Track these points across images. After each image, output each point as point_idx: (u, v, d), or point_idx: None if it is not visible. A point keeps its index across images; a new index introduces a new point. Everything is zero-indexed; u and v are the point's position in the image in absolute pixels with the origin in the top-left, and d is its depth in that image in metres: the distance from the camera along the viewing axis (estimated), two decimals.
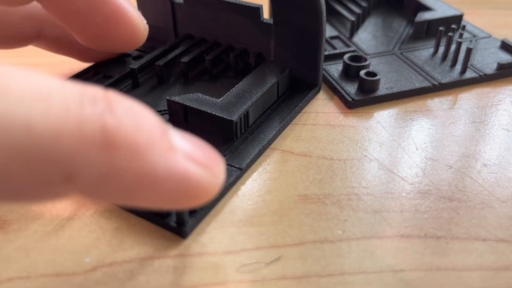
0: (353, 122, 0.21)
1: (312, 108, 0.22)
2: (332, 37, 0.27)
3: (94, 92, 0.10)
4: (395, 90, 0.23)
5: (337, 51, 0.26)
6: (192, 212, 0.15)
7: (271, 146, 0.20)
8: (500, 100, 0.23)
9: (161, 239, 0.15)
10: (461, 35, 0.26)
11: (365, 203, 0.17)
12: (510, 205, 0.17)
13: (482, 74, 0.24)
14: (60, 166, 0.09)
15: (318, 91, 0.23)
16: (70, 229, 0.15)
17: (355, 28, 0.28)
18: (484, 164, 0.18)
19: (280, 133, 0.20)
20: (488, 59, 0.25)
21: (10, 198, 0.10)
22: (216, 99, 0.19)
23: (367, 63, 0.23)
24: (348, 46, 0.27)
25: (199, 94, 0.19)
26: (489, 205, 0.17)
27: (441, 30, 0.25)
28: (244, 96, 0.19)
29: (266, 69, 0.22)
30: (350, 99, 0.22)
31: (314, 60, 0.22)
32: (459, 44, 0.24)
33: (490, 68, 0.24)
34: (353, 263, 0.14)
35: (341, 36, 0.28)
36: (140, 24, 0.20)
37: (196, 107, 0.19)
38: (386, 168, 0.18)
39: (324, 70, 0.24)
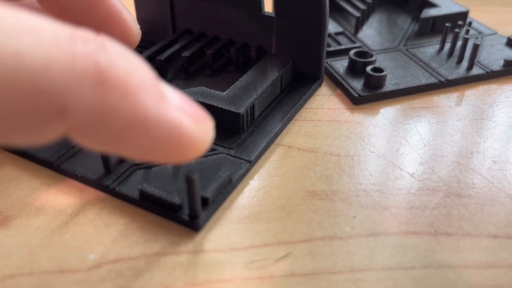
0: (359, 118, 0.21)
1: (318, 104, 0.22)
2: (337, 33, 0.27)
3: (85, 33, 0.10)
4: (401, 86, 0.22)
5: (343, 47, 0.25)
6: (205, 204, 0.15)
7: (278, 142, 0.19)
8: (507, 97, 0.23)
9: (167, 236, 0.15)
10: (467, 32, 0.25)
11: (373, 200, 0.16)
12: None
13: (488, 70, 0.24)
14: (51, 98, 0.09)
15: (321, 84, 0.23)
16: (74, 225, 0.15)
17: (360, 24, 0.28)
18: (493, 161, 0.18)
19: (285, 125, 0.20)
20: (494, 55, 0.25)
21: (1, 134, 0.10)
22: (221, 92, 0.19)
23: (373, 59, 0.23)
24: (353, 42, 0.26)
25: (204, 87, 0.19)
26: (499, 202, 0.16)
27: (448, 26, 0.25)
28: (249, 89, 0.19)
29: (268, 62, 0.21)
30: (356, 95, 0.22)
31: (317, 53, 0.21)
32: (465, 41, 0.24)
33: (496, 64, 0.24)
34: (363, 260, 0.14)
35: (346, 32, 0.27)
36: (134, 28, 0.20)
37: (202, 100, 0.18)
38: (394, 164, 0.18)
39: (330, 66, 0.24)
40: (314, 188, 0.17)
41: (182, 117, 0.11)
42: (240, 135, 0.18)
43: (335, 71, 0.23)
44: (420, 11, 0.28)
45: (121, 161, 0.17)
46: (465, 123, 0.20)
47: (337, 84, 0.23)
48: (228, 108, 0.18)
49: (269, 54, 0.22)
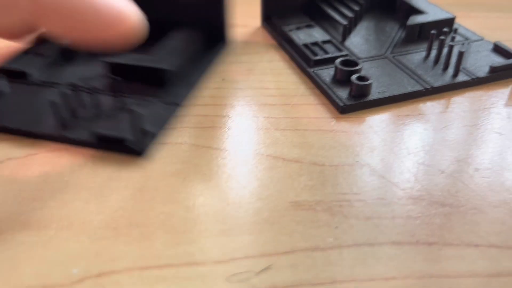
0: (345, 127, 0.21)
1: (303, 113, 0.22)
2: (324, 42, 0.27)
3: None
4: (387, 94, 0.22)
5: (329, 55, 0.25)
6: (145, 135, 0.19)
7: (262, 152, 0.19)
8: (492, 104, 0.23)
9: (149, 249, 0.15)
10: (453, 38, 0.26)
11: (356, 210, 0.16)
12: (502, 210, 0.16)
13: (474, 77, 0.24)
14: None
15: (228, 45, 0.27)
16: (58, 240, 0.15)
17: (347, 32, 0.28)
18: (476, 168, 0.18)
19: (206, 72, 0.24)
20: (480, 62, 0.25)
21: None
22: (150, 56, 0.23)
23: (358, 67, 0.23)
24: (340, 50, 0.26)
25: (133, 54, 0.22)
26: (481, 211, 0.16)
27: (433, 34, 0.25)
28: (173, 52, 0.24)
29: (179, 33, 0.25)
30: (341, 104, 0.22)
31: (220, 16, 0.26)
32: (451, 48, 0.24)
33: (482, 71, 0.24)
34: (345, 271, 0.14)
35: (333, 41, 0.27)
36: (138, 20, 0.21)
37: (130, 63, 0.22)
38: (378, 174, 0.18)
39: (316, 74, 0.24)
40: (298, 199, 0.17)
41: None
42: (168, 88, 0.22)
43: (321, 80, 0.24)
44: (407, 18, 0.28)
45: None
46: (450, 131, 0.21)
47: (323, 93, 0.23)
48: (153, 66, 0.22)
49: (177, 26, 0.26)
